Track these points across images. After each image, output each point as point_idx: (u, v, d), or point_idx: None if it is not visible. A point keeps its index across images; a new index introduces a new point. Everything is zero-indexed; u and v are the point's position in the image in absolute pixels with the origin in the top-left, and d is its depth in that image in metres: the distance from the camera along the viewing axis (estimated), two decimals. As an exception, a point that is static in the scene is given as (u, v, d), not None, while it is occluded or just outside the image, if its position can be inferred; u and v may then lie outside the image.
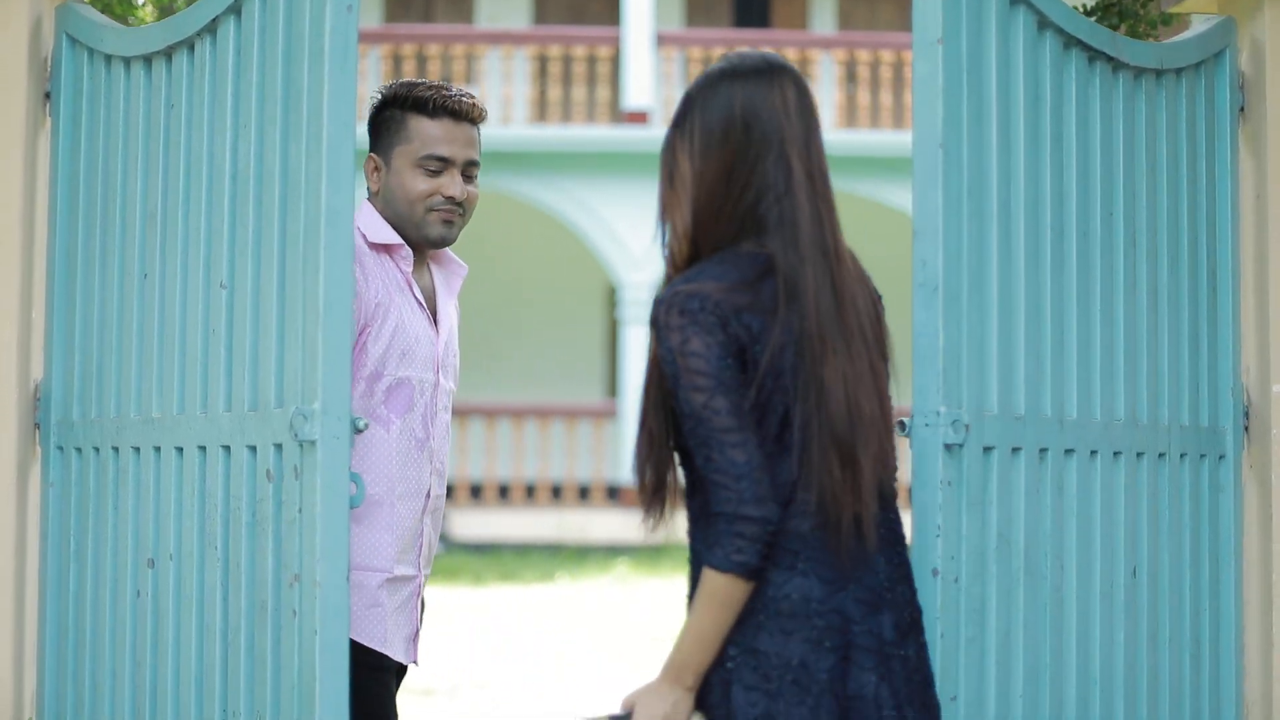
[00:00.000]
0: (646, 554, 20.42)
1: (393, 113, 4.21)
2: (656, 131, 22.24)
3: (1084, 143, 4.05)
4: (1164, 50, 4.29)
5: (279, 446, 3.67)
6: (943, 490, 3.61)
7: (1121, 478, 4.08)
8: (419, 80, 4.25)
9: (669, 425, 3.25)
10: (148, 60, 4.16)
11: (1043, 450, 3.87)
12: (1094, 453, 4.01)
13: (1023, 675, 3.80)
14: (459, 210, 4.20)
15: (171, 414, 4.00)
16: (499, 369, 23.61)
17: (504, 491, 22.34)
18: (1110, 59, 4.13)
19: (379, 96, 4.26)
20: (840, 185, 21.02)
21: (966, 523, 3.66)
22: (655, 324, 3.20)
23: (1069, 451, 3.95)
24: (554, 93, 22.30)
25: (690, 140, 3.27)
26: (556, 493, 22.55)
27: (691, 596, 3.27)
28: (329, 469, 3.54)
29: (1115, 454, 4.07)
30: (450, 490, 21.01)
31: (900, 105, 22.46)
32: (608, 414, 22.87)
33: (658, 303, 3.21)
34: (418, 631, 4.17)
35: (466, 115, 4.21)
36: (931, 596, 3.59)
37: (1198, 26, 4.48)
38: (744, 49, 3.36)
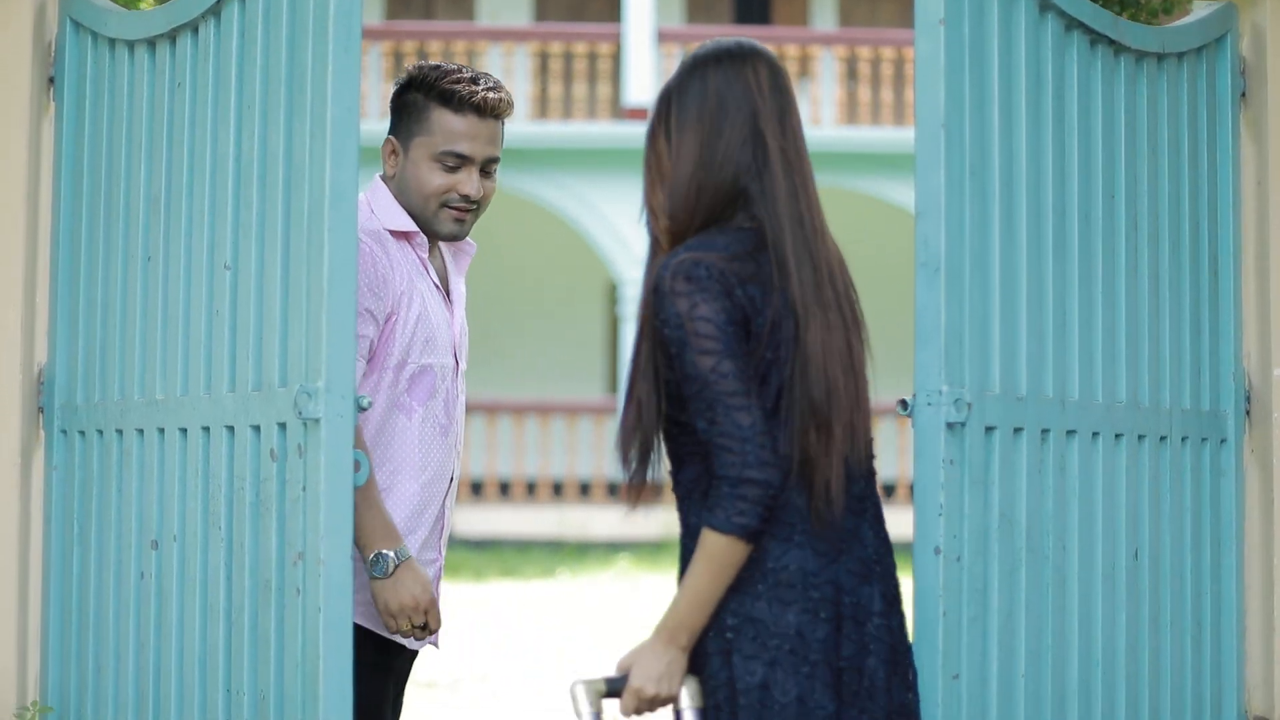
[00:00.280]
0: (647, 550, 20.43)
1: (416, 98, 4.10)
2: (657, 128, 22.19)
3: (1086, 125, 4.06)
4: (1165, 34, 4.30)
5: (283, 426, 3.68)
6: (945, 469, 3.61)
7: (1123, 460, 4.09)
8: (448, 67, 4.12)
9: (659, 395, 3.30)
10: (151, 43, 4.17)
11: (1044, 431, 3.88)
12: (1095, 434, 4.02)
13: (1025, 655, 3.81)
14: (473, 208, 4.12)
15: (175, 396, 4.00)
16: (500, 365, 23.62)
17: (505, 488, 22.35)
18: (1112, 42, 4.14)
19: (405, 76, 4.15)
20: (841, 181, 21.04)
21: (969, 502, 3.67)
22: (658, 290, 3.26)
23: (1070, 433, 3.95)
24: (555, 89, 22.31)
25: (667, 127, 3.37)
26: (557, 489, 22.56)
27: (683, 571, 3.33)
28: (333, 447, 3.55)
29: (1117, 436, 4.08)
30: (451, 487, 20.98)
31: (901, 102, 22.47)
32: (608, 410, 22.88)
33: (661, 269, 3.26)
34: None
35: (492, 111, 4.10)
36: (934, 575, 3.60)
37: (1199, 11, 4.49)
38: (719, 37, 3.47)
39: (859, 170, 21.32)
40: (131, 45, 4.22)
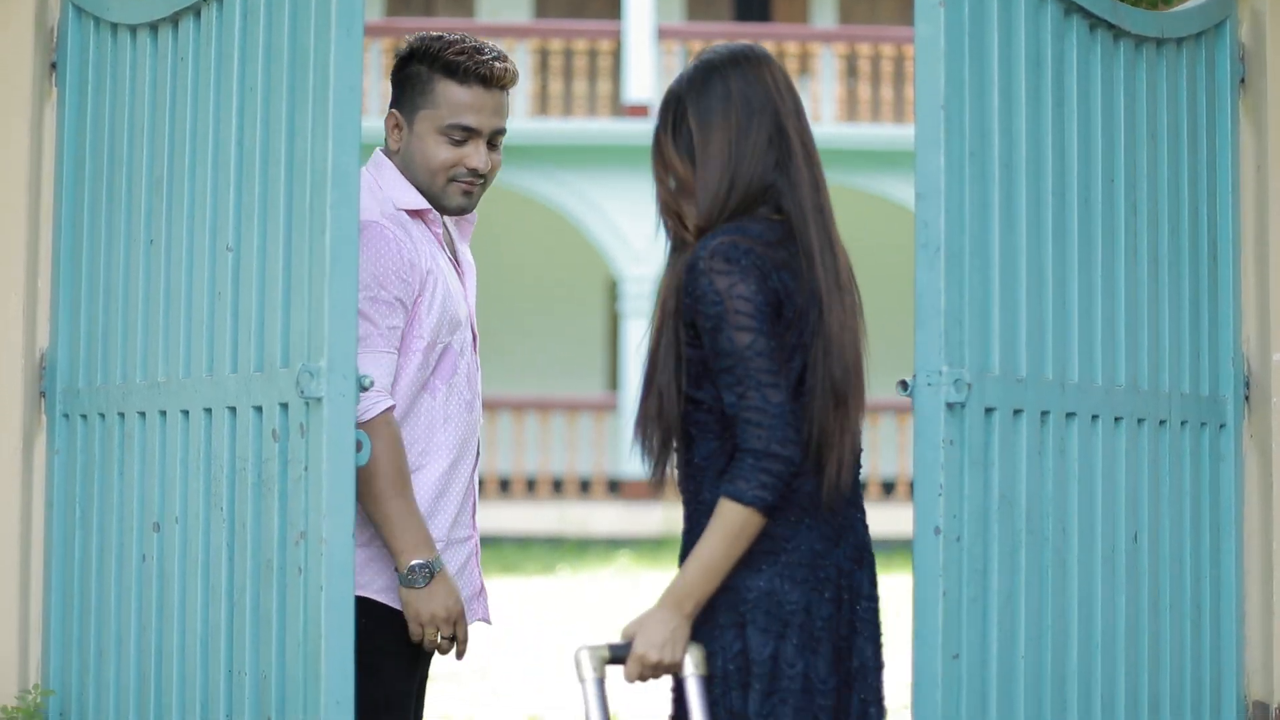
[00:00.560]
0: (647, 546, 20.45)
1: (419, 70, 4.01)
2: (657, 125, 22.21)
3: (1085, 109, 4.07)
4: (1165, 20, 4.31)
5: (284, 406, 3.69)
6: (944, 449, 3.62)
7: (1122, 443, 4.10)
8: (450, 38, 4.03)
9: (679, 383, 3.41)
10: (154, 28, 4.17)
11: (1044, 413, 3.89)
12: (1095, 417, 4.03)
13: (1024, 636, 3.82)
14: (481, 181, 4.04)
15: (177, 378, 4.01)
16: (500, 362, 23.63)
17: (505, 485, 22.36)
18: (1111, 27, 4.15)
19: (406, 47, 4.07)
20: (841, 178, 21.04)
21: (968, 482, 3.68)
22: (693, 270, 3.37)
23: (1070, 415, 3.96)
24: (555, 86, 22.32)
25: (684, 135, 3.48)
26: (557, 486, 22.57)
27: (685, 551, 3.43)
28: (335, 426, 3.56)
29: (1116, 419, 4.09)
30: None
31: (901, 99, 22.49)
32: (608, 407, 22.89)
33: (699, 250, 3.38)
34: (483, 587, 4.19)
35: (498, 82, 4.01)
36: (933, 555, 3.61)
37: (1198, -4, 4.50)
38: (717, 44, 3.59)
39: (859, 167, 21.35)
40: (134, 29, 4.23)
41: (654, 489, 3.57)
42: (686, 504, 3.46)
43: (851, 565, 3.43)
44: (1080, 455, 3.98)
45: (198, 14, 4.05)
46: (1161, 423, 4.22)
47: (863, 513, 3.50)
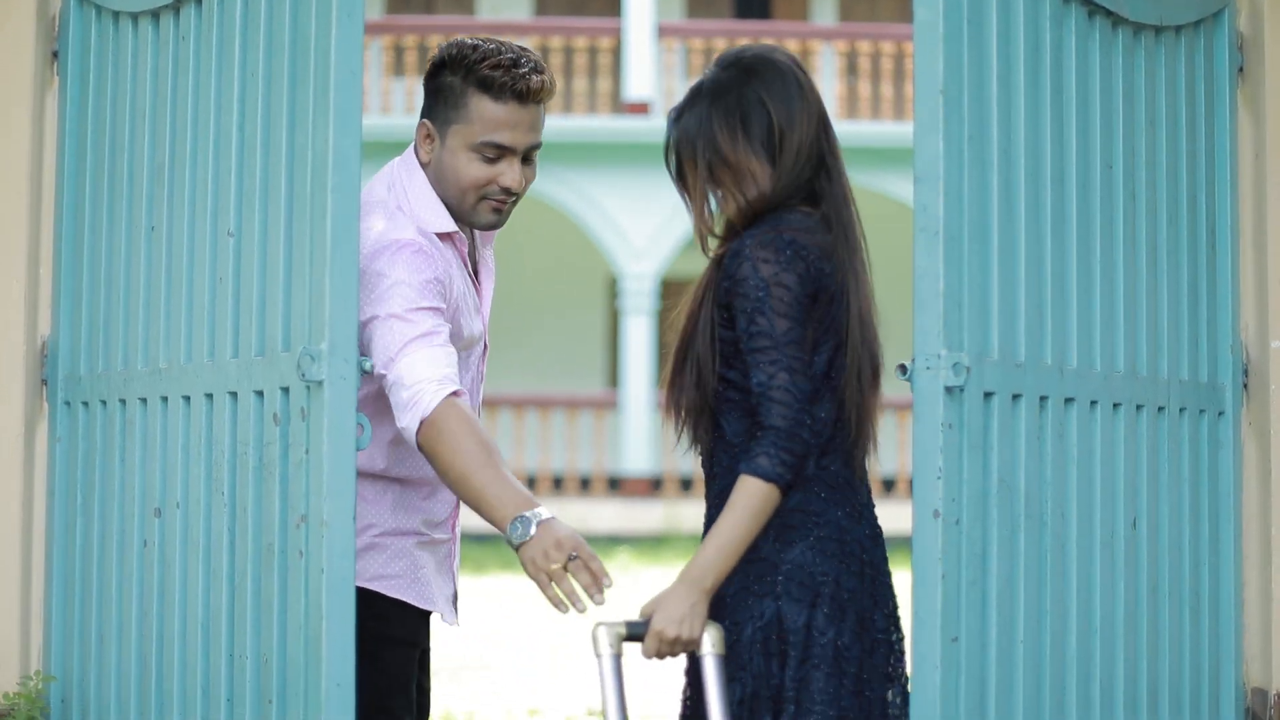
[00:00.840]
0: (647, 543, 20.46)
1: (452, 81, 3.87)
2: (657, 122, 22.27)
3: (1083, 96, 4.08)
4: (1163, 7, 4.32)
5: (285, 390, 3.70)
6: (943, 432, 3.64)
7: (1121, 429, 4.11)
8: (486, 48, 3.88)
9: (715, 355, 3.54)
10: (155, 15, 4.18)
11: (1043, 398, 3.90)
12: (1094, 403, 4.04)
13: (1023, 620, 3.82)
14: (513, 198, 3.93)
15: (179, 364, 4.02)
16: (500, 360, 23.62)
17: (505, 482, 22.33)
18: (1110, 14, 4.15)
19: (440, 55, 3.92)
20: (841, 176, 21.04)
21: (967, 466, 3.69)
22: (739, 256, 3.50)
23: (1069, 400, 3.97)
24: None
25: (750, 133, 3.59)
26: (557, 483, 22.58)
27: (709, 524, 3.55)
28: (335, 409, 3.57)
29: (1115, 405, 4.09)
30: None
31: (901, 96, 22.50)
32: (608, 405, 22.90)
33: (746, 239, 3.52)
34: (457, 594, 4.13)
35: (534, 97, 3.87)
36: (933, 538, 3.62)
37: (1196, -16, 4.51)
38: (744, 45, 3.73)
39: (859, 165, 21.34)
40: (135, 17, 4.24)
41: (689, 449, 3.60)
42: (719, 478, 3.56)
43: (870, 543, 3.56)
44: (1079, 440, 3.99)
45: (199, 0, 4.06)
46: (1160, 409, 4.23)
47: (870, 493, 3.65)
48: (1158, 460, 4.21)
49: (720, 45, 22.54)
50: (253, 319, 3.83)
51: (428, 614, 4.05)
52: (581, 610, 3.53)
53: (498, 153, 3.88)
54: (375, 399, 3.88)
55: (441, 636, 4.28)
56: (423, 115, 3.95)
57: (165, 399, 4.05)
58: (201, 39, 4.04)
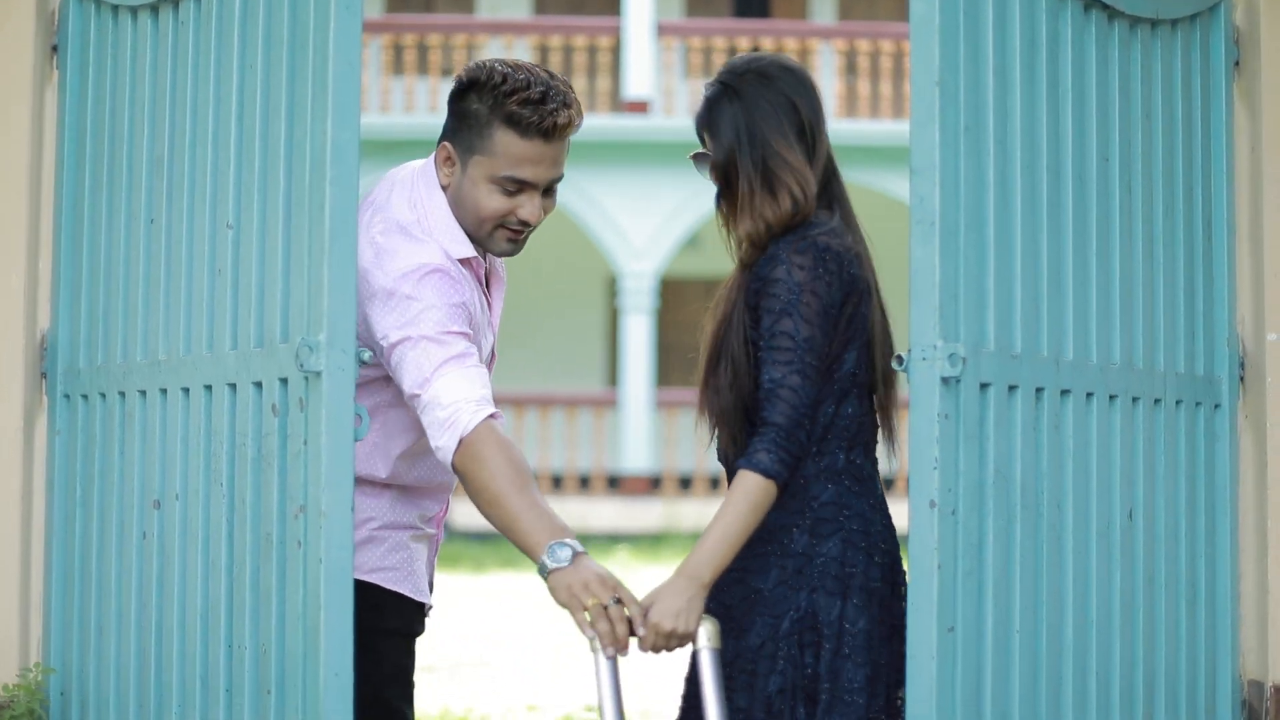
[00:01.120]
0: (646, 542, 20.46)
1: (479, 110, 3.87)
2: (657, 121, 22.29)
3: (1079, 89, 4.09)
4: (1159, 1, 4.33)
5: (284, 381, 3.71)
6: (939, 423, 3.65)
7: (1117, 420, 4.12)
8: (516, 78, 3.85)
9: (748, 355, 3.62)
10: (154, 9, 4.20)
11: (1039, 389, 3.91)
12: (1090, 395, 4.04)
13: (1020, 610, 3.83)
14: (530, 228, 3.95)
15: (178, 355, 4.03)
16: (499, 358, 23.59)
17: (505, 481, 22.34)
18: (1106, 7, 4.16)
19: (467, 77, 3.92)
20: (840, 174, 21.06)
21: (963, 456, 3.70)
22: (775, 260, 3.60)
23: (1065, 392, 3.98)
24: (554, 83, 22.31)
25: (793, 132, 3.71)
26: (557, 482, 22.59)
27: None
28: (334, 399, 3.58)
29: (1111, 397, 4.10)
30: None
31: (900, 95, 22.51)
32: (608, 403, 22.91)
33: (783, 244, 3.62)
34: (432, 580, 4.23)
35: (560, 134, 3.86)
36: (929, 528, 3.63)
37: (1193, -21, 4.52)
38: (755, 53, 3.85)
39: (858, 163, 21.35)
40: (134, 10, 4.25)
41: (728, 443, 3.71)
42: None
43: (889, 532, 3.71)
44: (1075, 432, 3.99)
45: (198, -6, 4.07)
46: (1156, 401, 4.24)
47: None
48: (1154, 452, 4.22)
49: (719, 44, 22.55)
50: (251, 311, 3.84)
51: (421, 604, 4.10)
52: (624, 654, 3.51)
53: (519, 187, 3.89)
54: (388, 407, 3.94)
55: (441, 635, 4.33)
56: (444, 137, 3.95)
57: (164, 391, 4.06)
58: (200, 32, 4.05)
